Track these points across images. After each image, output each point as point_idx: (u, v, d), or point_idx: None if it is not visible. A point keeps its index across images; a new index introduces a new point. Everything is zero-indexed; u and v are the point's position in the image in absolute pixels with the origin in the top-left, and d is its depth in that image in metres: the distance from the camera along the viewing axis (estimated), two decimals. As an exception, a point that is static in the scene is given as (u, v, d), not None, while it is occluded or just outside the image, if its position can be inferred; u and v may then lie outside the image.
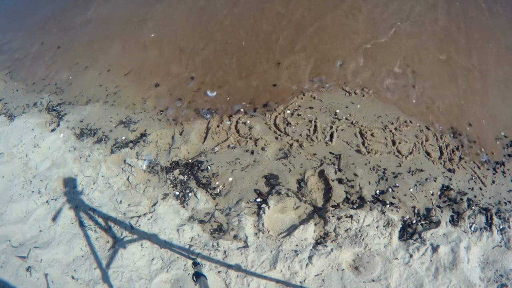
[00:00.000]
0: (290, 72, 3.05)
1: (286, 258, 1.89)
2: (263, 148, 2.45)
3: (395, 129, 2.47)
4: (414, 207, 2.04)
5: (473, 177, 2.18)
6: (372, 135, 2.43)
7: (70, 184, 2.53)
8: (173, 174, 2.41)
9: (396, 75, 2.89)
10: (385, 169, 2.24)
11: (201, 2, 4.32)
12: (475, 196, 2.08)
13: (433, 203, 2.07)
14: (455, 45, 3.18)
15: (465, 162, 2.26)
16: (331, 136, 2.45)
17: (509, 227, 1.93)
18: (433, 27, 3.39)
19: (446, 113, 2.58)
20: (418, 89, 2.77)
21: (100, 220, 2.26)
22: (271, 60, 3.21)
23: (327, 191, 2.17)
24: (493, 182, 2.16)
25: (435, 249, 1.84)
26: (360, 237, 1.92)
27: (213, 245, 2.00)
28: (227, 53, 3.40)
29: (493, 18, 3.41)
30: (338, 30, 3.41)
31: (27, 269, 2.08)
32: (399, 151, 2.33)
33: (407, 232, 1.96)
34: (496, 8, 3.49)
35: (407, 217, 2.01)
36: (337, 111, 2.62)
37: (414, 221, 1.99)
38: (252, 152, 2.44)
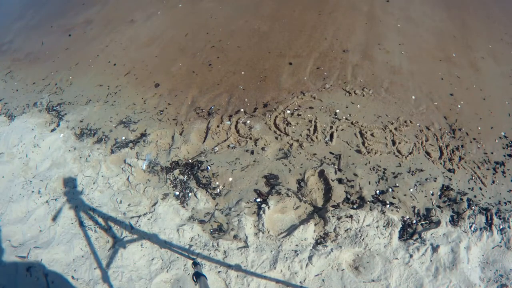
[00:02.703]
0: (290, 72, 3.05)
1: (286, 258, 1.89)
2: (263, 148, 2.45)
3: (395, 129, 2.47)
4: (414, 207, 2.04)
5: (473, 177, 2.18)
6: (372, 135, 2.43)
7: (70, 184, 2.53)
8: (173, 174, 2.41)
9: (395, 74, 2.89)
10: (385, 169, 2.24)
11: (201, 3, 4.33)
12: (475, 196, 2.08)
13: (433, 203, 2.07)
14: (453, 42, 3.18)
15: (465, 162, 2.26)
16: (331, 136, 2.45)
17: (509, 227, 1.93)
18: (433, 28, 3.39)
19: (446, 112, 2.58)
20: (417, 88, 2.77)
21: (100, 220, 2.26)
22: (271, 60, 3.21)
23: (327, 191, 2.17)
24: (493, 182, 2.16)
25: (435, 249, 1.84)
26: (360, 237, 1.92)
27: (213, 245, 1.99)
28: (228, 53, 3.40)
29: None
30: (338, 29, 3.41)
31: (27, 269, 2.08)
32: (399, 151, 2.33)
33: (407, 232, 1.96)
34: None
35: (407, 217, 2.01)
36: (337, 111, 2.62)
37: (414, 221, 1.99)
38: (252, 152, 2.44)
